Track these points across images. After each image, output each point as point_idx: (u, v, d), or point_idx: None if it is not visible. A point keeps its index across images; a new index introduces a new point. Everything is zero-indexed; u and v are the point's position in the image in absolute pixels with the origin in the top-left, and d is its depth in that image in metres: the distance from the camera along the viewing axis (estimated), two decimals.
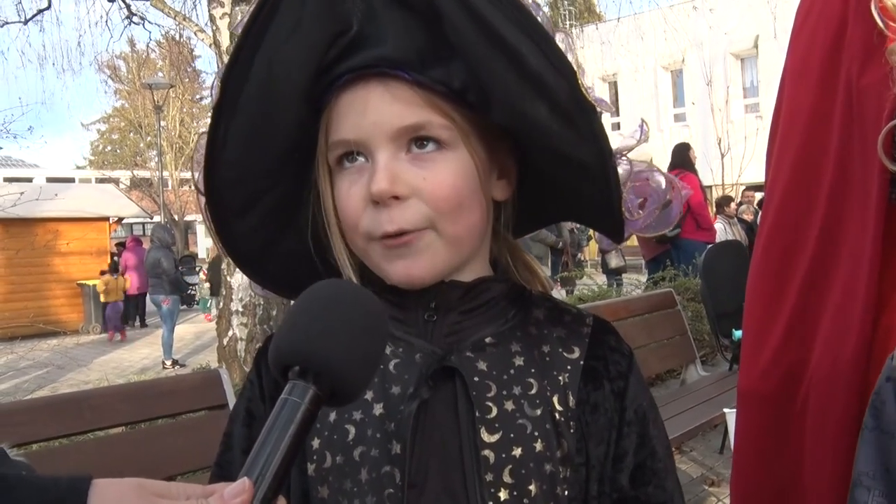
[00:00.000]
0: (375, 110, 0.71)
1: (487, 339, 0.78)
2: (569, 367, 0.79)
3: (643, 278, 8.65)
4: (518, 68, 0.66)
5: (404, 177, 0.71)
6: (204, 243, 25.16)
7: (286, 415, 0.53)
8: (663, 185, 0.81)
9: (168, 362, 9.41)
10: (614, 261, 10.70)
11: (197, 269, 17.53)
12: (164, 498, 0.50)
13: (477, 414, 0.73)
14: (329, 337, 0.56)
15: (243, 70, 0.70)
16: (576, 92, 0.67)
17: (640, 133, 0.82)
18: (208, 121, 0.75)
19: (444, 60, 0.70)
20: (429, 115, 0.71)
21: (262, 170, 0.76)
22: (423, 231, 0.73)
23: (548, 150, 0.73)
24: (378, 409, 0.75)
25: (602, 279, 10.10)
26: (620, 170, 0.74)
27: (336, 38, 0.70)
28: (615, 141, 0.75)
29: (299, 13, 0.69)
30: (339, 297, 0.61)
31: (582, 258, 14.21)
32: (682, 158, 7.80)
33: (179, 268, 11.30)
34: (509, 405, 0.75)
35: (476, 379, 0.75)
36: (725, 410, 2.88)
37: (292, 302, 0.65)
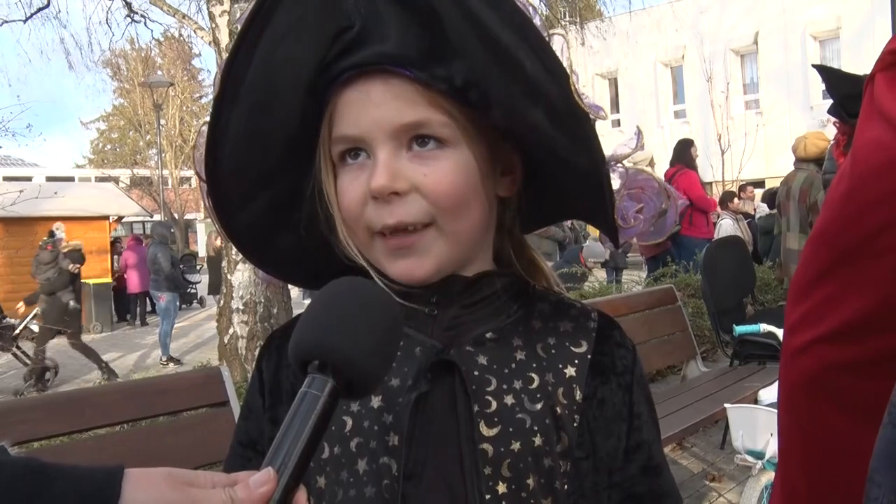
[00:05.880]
0: (376, 107, 0.71)
1: (488, 335, 0.78)
2: (576, 361, 0.79)
3: (644, 275, 8.65)
4: (515, 73, 0.66)
5: (405, 173, 0.71)
6: (204, 242, 25.15)
7: (306, 407, 0.55)
8: (654, 196, 0.81)
9: (164, 358, 9.50)
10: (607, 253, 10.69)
11: (198, 267, 17.54)
12: (193, 486, 0.51)
13: (476, 408, 0.74)
14: (346, 332, 0.58)
15: (244, 64, 0.70)
16: (568, 98, 0.67)
17: (635, 141, 0.82)
18: (208, 119, 0.75)
19: (446, 59, 0.70)
20: (429, 112, 0.71)
21: (264, 162, 0.77)
22: (425, 231, 0.73)
23: (545, 153, 0.73)
24: (376, 402, 0.75)
25: (602, 275, 10.11)
26: (615, 177, 0.75)
27: (338, 35, 0.71)
28: (610, 147, 0.75)
29: (301, 9, 0.69)
30: (356, 293, 0.62)
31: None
32: (682, 155, 7.81)
33: (181, 266, 11.32)
34: (509, 399, 0.75)
35: (476, 373, 0.75)
36: (727, 406, 2.87)
37: (293, 297, 0.66)
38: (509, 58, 0.65)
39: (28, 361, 8.49)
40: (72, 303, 8.90)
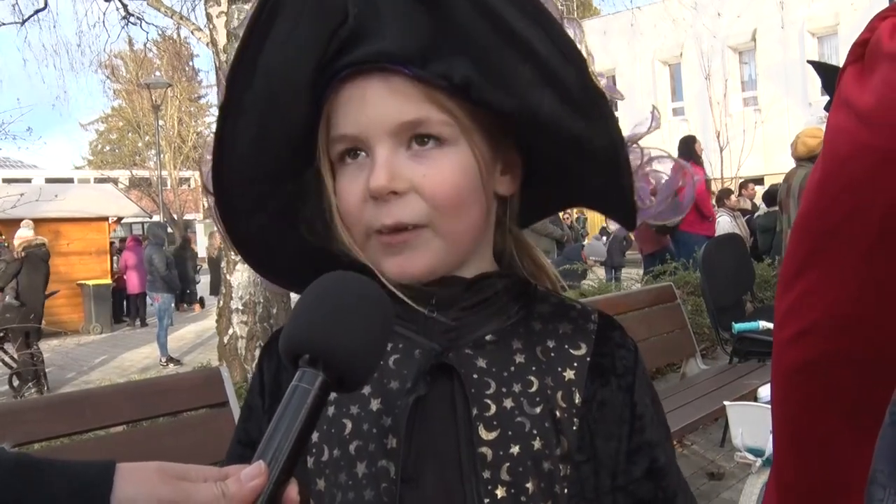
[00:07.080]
0: (374, 105, 0.71)
1: (488, 337, 0.77)
2: (575, 364, 0.78)
3: (642, 272, 8.65)
4: (525, 55, 0.65)
5: (403, 173, 0.71)
6: (203, 242, 25.11)
7: (297, 400, 0.55)
8: (671, 173, 0.80)
9: (163, 359, 9.49)
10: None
11: (197, 268, 17.48)
12: (185, 480, 0.51)
13: (475, 411, 0.73)
14: (336, 326, 0.58)
15: (247, 71, 0.70)
16: (585, 80, 0.66)
17: (650, 121, 0.81)
18: (206, 119, 0.75)
19: (446, 54, 0.69)
20: (429, 110, 0.70)
21: (271, 168, 0.76)
22: (421, 230, 0.73)
23: (557, 139, 0.71)
24: (375, 405, 0.75)
25: (601, 272, 10.11)
26: (630, 157, 0.73)
27: (335, 31, 0.70)
28: (625, 129, 0.74)
29: (299, 10, 0.69)
30: (345, 287, 0.62)
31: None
32: (688, 151, 7.85)
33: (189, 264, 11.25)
34: (508, 403, 0.74)
35: (475, 376, 0.74)
36: (726, 403, 2.87)
37: (293, 297, 0.66)
38: (519, 40, 0.65)
39: (14, 364, 8.28)
40: (7, 298, 8.55)
